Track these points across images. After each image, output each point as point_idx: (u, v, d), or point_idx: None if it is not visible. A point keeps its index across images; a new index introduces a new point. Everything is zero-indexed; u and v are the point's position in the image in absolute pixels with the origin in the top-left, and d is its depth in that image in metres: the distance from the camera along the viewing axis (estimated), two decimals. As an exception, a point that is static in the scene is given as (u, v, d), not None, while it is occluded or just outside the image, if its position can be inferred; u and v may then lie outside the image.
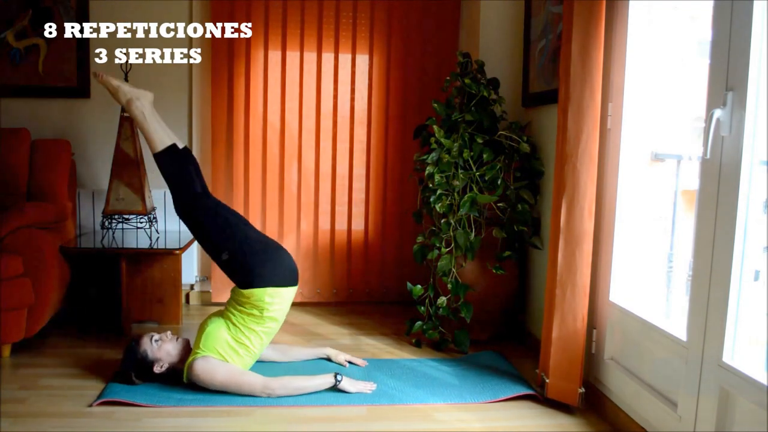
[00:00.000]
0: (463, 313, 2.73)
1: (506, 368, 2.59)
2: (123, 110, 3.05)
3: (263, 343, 2.41)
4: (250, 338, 2.35)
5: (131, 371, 2.31)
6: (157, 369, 2.30)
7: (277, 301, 2.35)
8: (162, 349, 2.32)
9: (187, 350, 2.38)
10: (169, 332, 2.40)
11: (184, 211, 2.45)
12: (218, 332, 2.33)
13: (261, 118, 3.49)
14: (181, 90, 3.49)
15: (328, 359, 2.67)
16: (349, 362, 2.64)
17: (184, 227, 3.35)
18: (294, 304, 3.59)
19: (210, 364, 2.25)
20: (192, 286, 3.60)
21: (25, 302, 2.58)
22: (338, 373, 2.33)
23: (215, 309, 3.40)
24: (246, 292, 2.32)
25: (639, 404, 2.01)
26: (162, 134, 2.49)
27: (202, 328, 2.38)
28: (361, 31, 3.52)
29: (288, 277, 2.39)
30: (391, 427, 2.11)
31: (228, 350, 2.31)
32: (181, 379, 2.32)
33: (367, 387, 2.35)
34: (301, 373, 2.43)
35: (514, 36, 3.20)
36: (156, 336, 2.35)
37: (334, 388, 2.31)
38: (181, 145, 2.52)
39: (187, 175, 2.46)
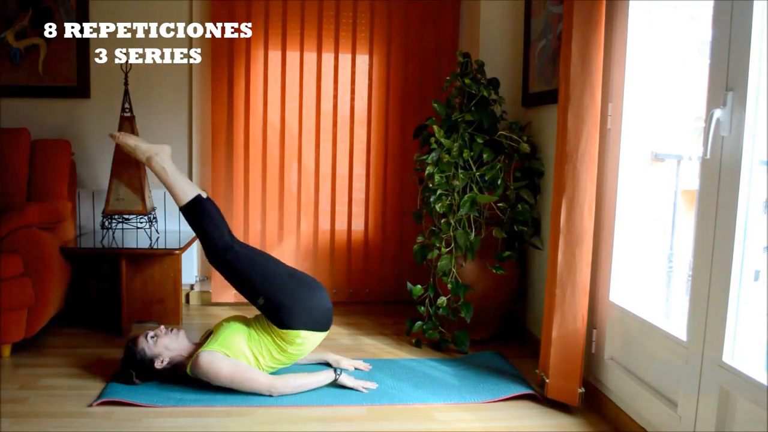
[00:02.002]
0: (463, 313, 2.73)
1: (506, 368, 2.59)
2: (123, 110, 3.05)
3: (274, 368, 2.41)
4: (266, 357, 2.36)
5: (132, 371, 2.31)
6: (158, 364, 2.30)
7: (307, 342, 2.37)
8: (159, 344, 2.32)
9: (187, 343, 2.39)
10: (162, 327, 2.39)
11: (218, 261, 2.42)
12: (236, 337, 2.33)
13: (261, 118, 3.49)
14: (181, 90, 3.49)
15: (327, 365, 2.57)
16: (355, 368, 2.59)
17: (184, 227, 3.35)
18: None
19: (216, 358, 2.25)
20: (192, 286, 3.60)
21: (25, 302, 2.58)
22: (338, 368, 2.37)
23: (216, 309, 3.45)
24: (281, 330, 2.34)
25: (639, 404, 2.01)
26: (185, 186, 2.47)
27: (222, 326, 2.39)
28: (361, 31, 3.52)
29: (323, 323, 2.40)
30: (391, 427, 2.11)
31: (239, 356, 2.31)
32: (181, 378, 2.32)
33: (366, 385, 2.36)
34: (301, 371, 2.44)
35: (514, 36, 3.20)
36: (151, 333, 2.35)
37: (335, 383, 2.34)
38: (204, 195, 2.49)
39: (215, 225, 2.43)
